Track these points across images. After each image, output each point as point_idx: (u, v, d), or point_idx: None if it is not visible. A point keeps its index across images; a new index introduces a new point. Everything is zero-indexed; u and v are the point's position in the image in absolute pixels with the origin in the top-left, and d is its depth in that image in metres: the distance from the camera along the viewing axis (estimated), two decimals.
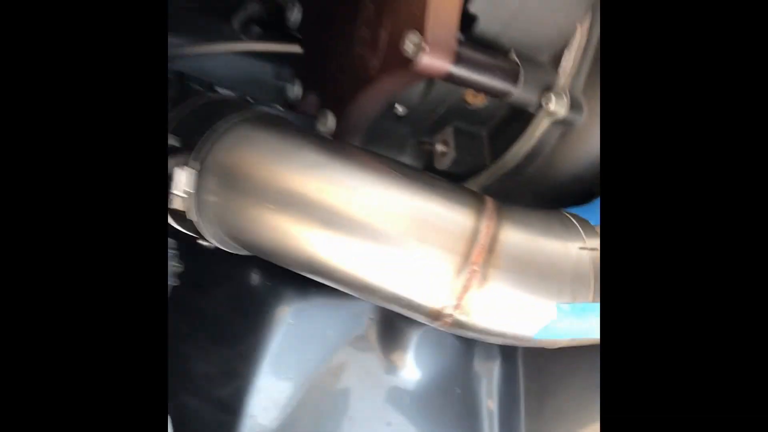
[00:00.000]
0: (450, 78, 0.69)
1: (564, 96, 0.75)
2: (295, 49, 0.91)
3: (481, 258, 0.64)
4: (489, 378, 1.00)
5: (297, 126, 0.75)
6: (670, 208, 0.53)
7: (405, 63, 0.67)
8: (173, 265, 0.76)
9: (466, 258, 0.64)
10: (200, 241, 0.77)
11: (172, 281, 0.76)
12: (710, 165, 0.52)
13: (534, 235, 0.67)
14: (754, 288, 0.51)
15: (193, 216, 0.72)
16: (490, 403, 0.99)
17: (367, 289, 0.67)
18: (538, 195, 0.79)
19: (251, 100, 0.86)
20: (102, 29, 0.50)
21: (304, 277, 0.80)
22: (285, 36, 0.96)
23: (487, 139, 0.85)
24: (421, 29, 0.64)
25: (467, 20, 0.68)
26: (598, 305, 0.66)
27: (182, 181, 0.70)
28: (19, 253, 0.49)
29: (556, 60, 0.77)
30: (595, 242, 0.69)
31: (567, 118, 0.76)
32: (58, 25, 0.50)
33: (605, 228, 0.60)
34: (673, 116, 0.54)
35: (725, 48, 0.53)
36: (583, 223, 0.71)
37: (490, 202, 0.68)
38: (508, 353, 1.02)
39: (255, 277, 0.91)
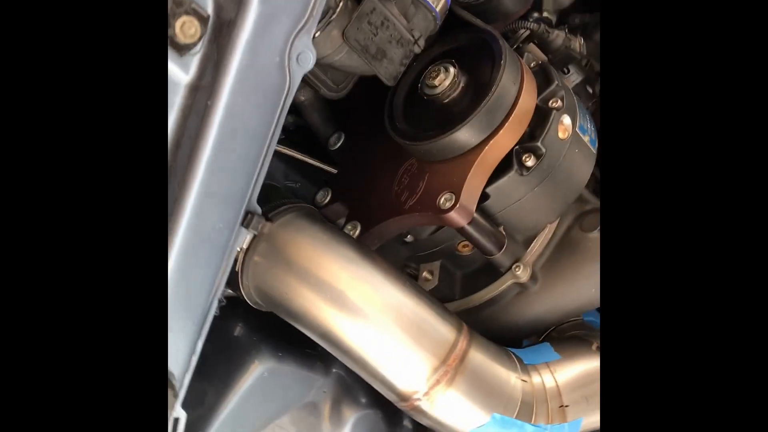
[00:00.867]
0: (461, 230, 0.94)
1: (528, 268, 1.02)
2: (332, 169, 1.13)
3: (454, 364, 0.87)
4: None
5: (338, 228, 0.98)
6: (668, 209, 0.58)
7: (436, 211, 0.91)
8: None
9: (444, 361, 0.86)
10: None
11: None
12: (706, 175, 0.57)
13: (490, 360, 0.91)
14: (756, 289, 0.55)
15: (237, 266, 0.91)
16: None
17: (361, 362, 0.87)
18: (486, 332, 1.04)
19: (294, 193, 1.06)
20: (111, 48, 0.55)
21: (283, 340, 1.00)
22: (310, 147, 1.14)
23: (461, 279, 1.09)
24: (457, 194, 0.90)
25: (483, 196, 0.94)
26: (523, 423, 0.89)
27: (245, 239, 0.90)
28: (21, 254, 0.51)
29: (528, 242, 1.04)
30: (526, 376, 0.94)
31: (525, 284, 1.02)
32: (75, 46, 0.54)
33: (605, 228, 0.69)
34: (663, 131, 0.59)
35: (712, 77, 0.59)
36: (520, 360, 0.96)
37: (465, 326, 0.92)
38: None
39: (240, 330, 1.08)
